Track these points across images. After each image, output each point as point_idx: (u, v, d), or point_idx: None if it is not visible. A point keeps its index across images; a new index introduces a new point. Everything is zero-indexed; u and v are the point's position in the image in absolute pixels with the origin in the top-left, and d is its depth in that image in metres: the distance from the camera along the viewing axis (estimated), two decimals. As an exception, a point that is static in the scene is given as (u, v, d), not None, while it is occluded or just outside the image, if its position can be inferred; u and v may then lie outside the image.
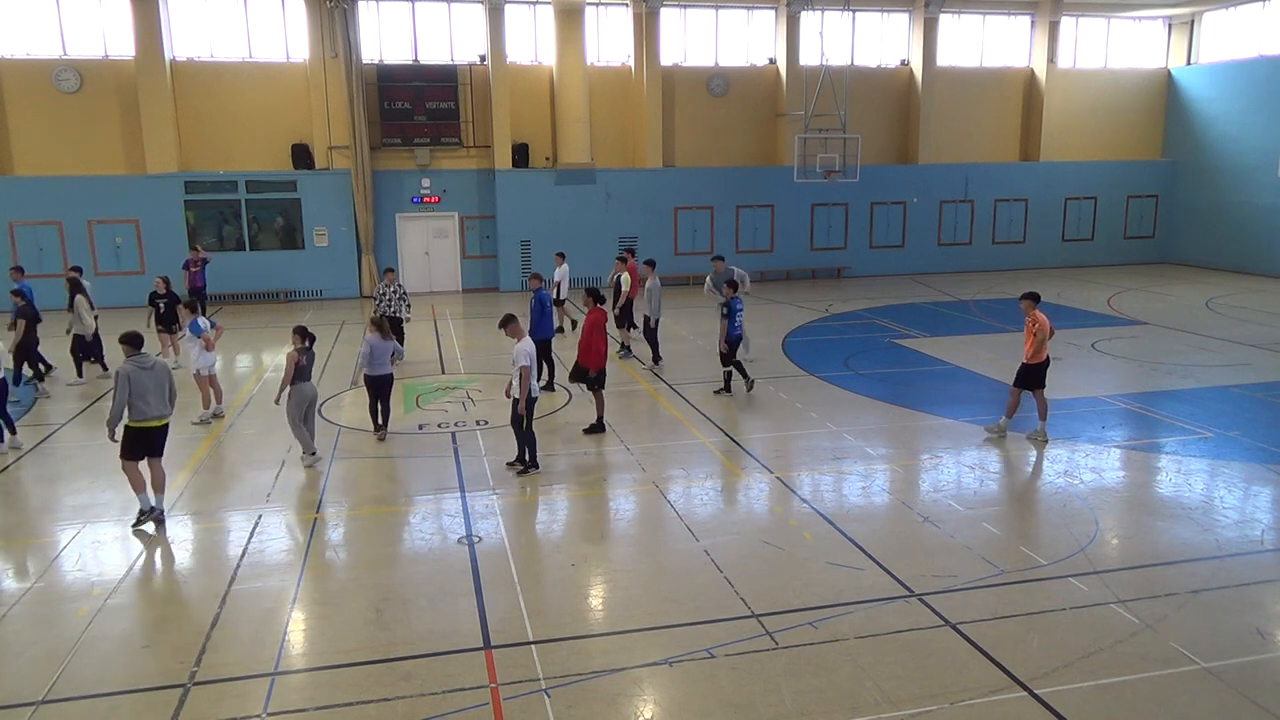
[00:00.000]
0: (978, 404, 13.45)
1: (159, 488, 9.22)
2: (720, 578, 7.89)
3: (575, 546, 8.75)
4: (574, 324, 19.01)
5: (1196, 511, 9.30)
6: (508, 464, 10.77)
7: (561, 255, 19.01)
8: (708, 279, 16.49)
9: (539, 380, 13.62)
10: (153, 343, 14.04)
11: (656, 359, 16.00)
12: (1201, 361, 15.94)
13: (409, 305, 16.21)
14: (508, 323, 10.49)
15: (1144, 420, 12.62)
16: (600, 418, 12.26)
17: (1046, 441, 11.58)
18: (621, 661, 6.61)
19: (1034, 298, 11.73)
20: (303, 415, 10.89)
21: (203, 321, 12.94)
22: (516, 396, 10.15)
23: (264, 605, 7.53)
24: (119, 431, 9.01)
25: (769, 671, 6.44)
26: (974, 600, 7.45)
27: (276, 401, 11.19)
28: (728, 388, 14.00)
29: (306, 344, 10.95)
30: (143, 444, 9.01)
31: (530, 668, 6.52)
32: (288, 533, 9.03)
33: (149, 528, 9.09)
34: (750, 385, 14.04)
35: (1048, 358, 11.71)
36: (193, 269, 20.37)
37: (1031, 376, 11.67)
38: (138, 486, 9.04)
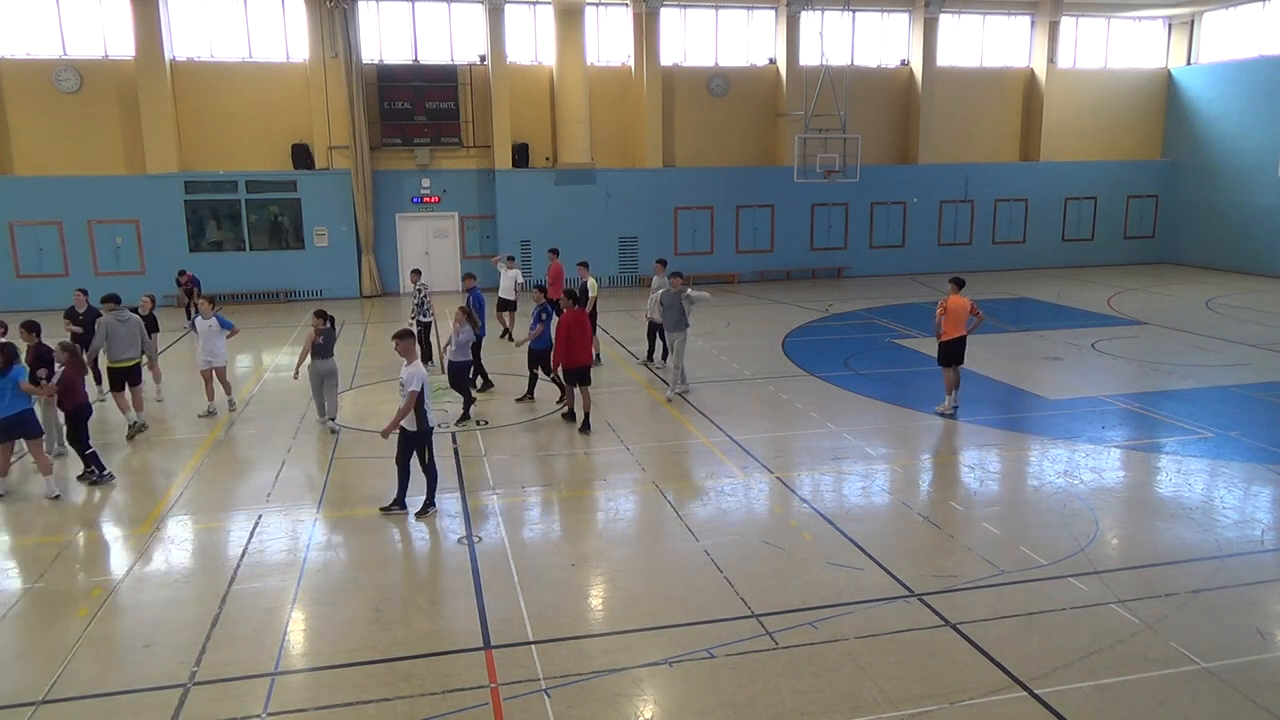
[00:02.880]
0: (978, 404, 13.44)
1: (138, 406, 12.46)
2: (720, 578, 7.89)
3: (575, 546, 8.75)
4: (509, 334, 18.18)
5: (1196, 511, 9.30)
6: (382, 509, 9.45)
7: (511, 259, 18.89)
8: (661, 293, 14.69)
9: (475, 385, 13.85)
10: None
11: (664, 355, 15.95)
12: (1201, 361, 15.94)
13: (422, 309, 15.78)
14: (402, 338, 9.22)
15: (1144, 420, 12.62)
16: (587, 415, 12.26)
17: (956, 409, 12.83)
18: (621, 661, 6.61)
19: (957, 283, 12.80)
20: (320, 387, 12.46)
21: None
22: (387, 429, 9.10)
23: (264, 605, 7.53)
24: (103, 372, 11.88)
25: (769, 671, 6.44)
26: (974, 600, 7.45)
27: (295, 376, 12.68)
28: (530, 394, 13.76)
29: (326, 325, 12.23)
30: (120, 378, 12.22)
31: (530, 668, 6.52)
32: (288, 533, 9.03)
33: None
34: (525, 398, 13.72)
35: (962, 336, 12.66)
36: (185, 288, 20.40)
37: (947, 353, 12.73)
38: (122, 408, 12.27)
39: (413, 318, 15.77)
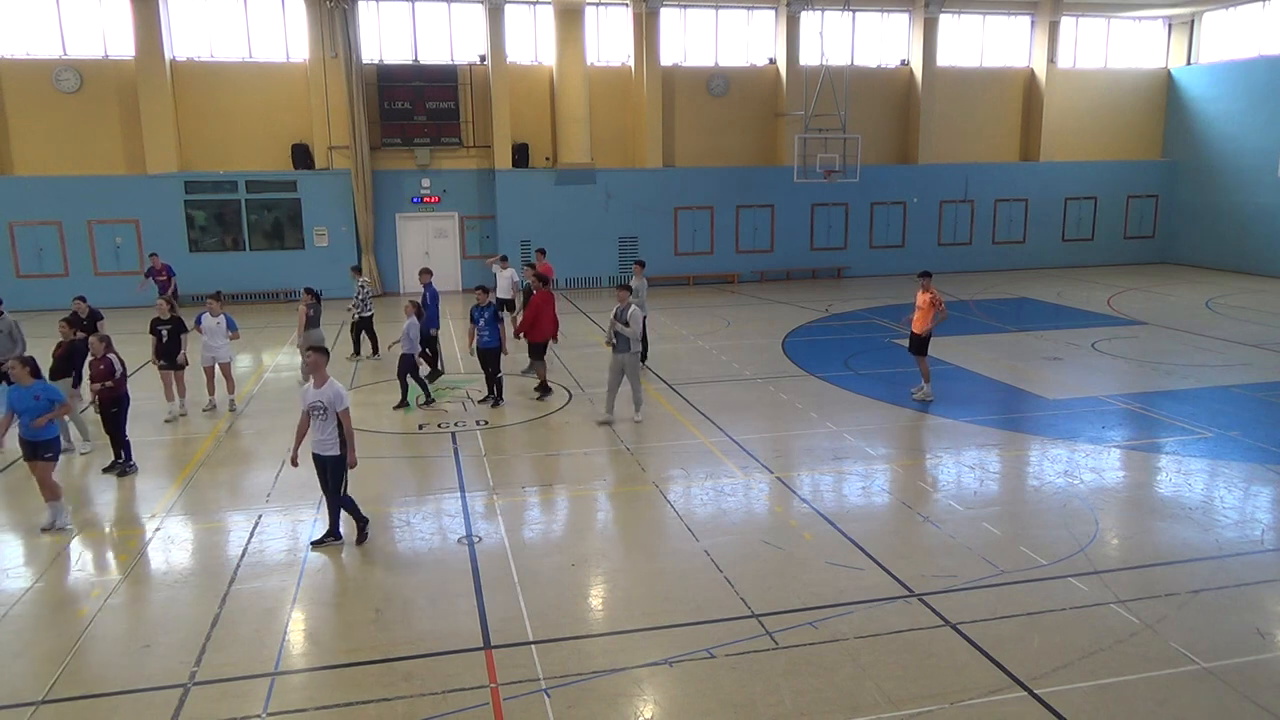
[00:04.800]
0: (978, 404, 13.45)
1: None
2: (720, 578, 7.89)
3: (575, 546, 8.74)
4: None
5: (1196, 511, 9.29)
6: (313, 542, 8.65)
7: (504, 259, 18.73)
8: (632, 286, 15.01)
9: (430, 375, 14.37)
10: (152, 382, 13.59)
11: (643, 359, 15.88)
12: (1201, 361, 15.93)
13: (364, 305, 16.71)
14: (314, 351, 8.47)
15: (1144, 420, 12.62)
16: (544, 381, 14.02)
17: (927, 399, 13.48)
18: (621, 661, 6.61)
19: (930, 275, 13.58)
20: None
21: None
22: (352, 459, 8.40)
23: (264, 605, 7.53)
24: None
25: (769, 671, 6.44)
26: (974, 600, 7.44)
27: (294, 343, 15.10)
28: (500, 397, 13.68)
29: (315, 300, 14.38)
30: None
31: (530, 668, 6.52)
32: (288, 533, 9.02)
33: None
34: (495, 402, 13.59)
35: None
36: (159, 278, 19.69)
37: (925, 343, 13.43)
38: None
39: (349, 310, 16.61)
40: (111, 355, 10.68)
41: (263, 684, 6.39)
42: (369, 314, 16.70)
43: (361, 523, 8.76)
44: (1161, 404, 13.30)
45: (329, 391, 8.23)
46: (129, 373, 11.28)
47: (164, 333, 12.91)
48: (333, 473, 8.39)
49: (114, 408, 10.68)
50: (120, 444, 10.81)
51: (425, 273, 15.76)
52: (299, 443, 8.53)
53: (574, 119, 24.87)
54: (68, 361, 11.63)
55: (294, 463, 8.77)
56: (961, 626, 7.01)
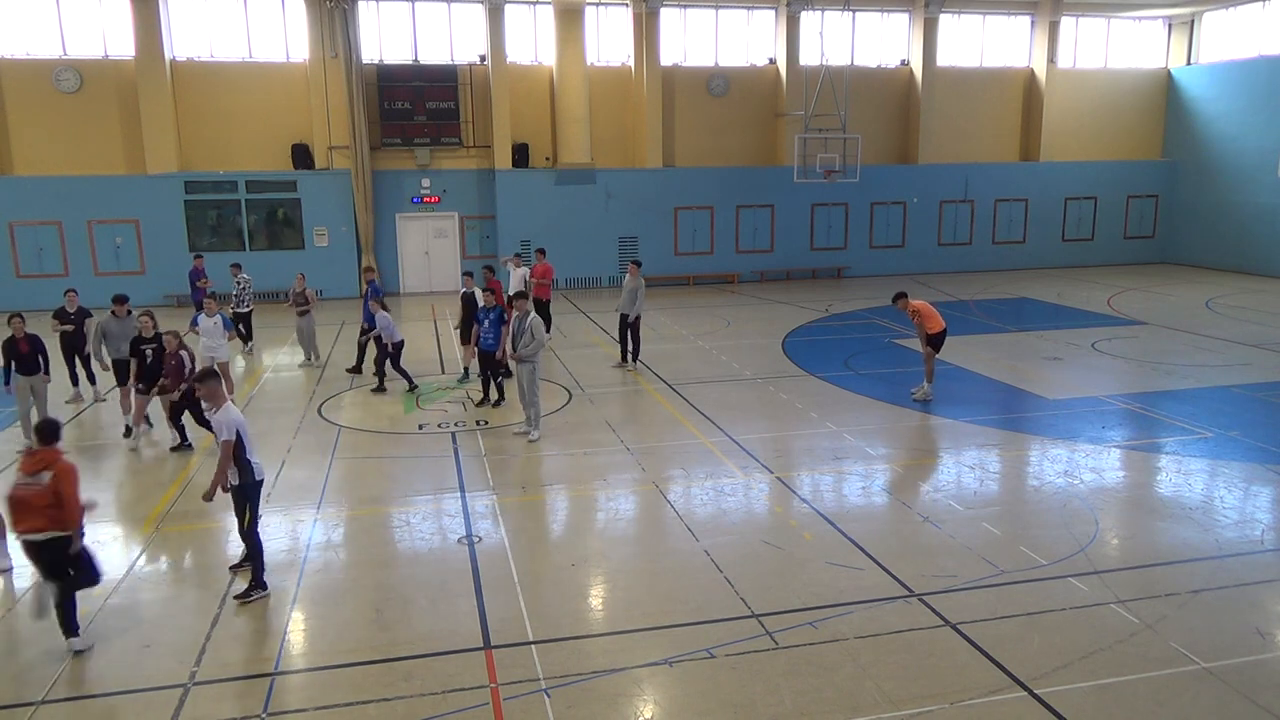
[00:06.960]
0: (978, 404, 13.45)
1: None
2: (720, 578, 7.89)
3: (575, 546, 8.75)
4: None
5: (1196, 511, 9.29)
6: (237, 599, 7.56)
7: (518, 256, 18.58)
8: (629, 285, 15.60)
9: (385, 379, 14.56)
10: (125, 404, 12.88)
11: (635, 357, 15.94)
12: (1201, 361, 15.93)
13: (240, 300, 17.57)
14: (204, 380, 7.60)
15: (1144, 420, 12.62)
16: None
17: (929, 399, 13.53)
18: (621, 661, 6.61)
19: (904, 295, 13.52)
20: (302, 338, 16.50)
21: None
22: (209, 492, 7.59)
23: (264, 605, 7.54)
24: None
25: (769, 671, 6.44)
26: (974, 600, 7.45)
27: (290, 303, 16.64)
28: (502, 396, 13.70)
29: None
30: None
31: (530, 668, 6.52)
32: (288, 533, 9.02)
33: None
34: (496, 402, 13.61)
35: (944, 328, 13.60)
36: (198, 281, 19.32)
37: (939, 341, 13.48)
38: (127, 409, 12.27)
39: (233, 307, 17.15)
40: (183, 352, 11.22)
41: (263, 684, 6.39)
42: (245, 310, 17.56)
43: (258, 577, 7.65)
44: (1161, 404, 13.30)
45: (215, 419, 7.40)
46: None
47: (147, 353, 11.55)
48: (236, 506, 7.58)
49: (187, 401, 11.27)
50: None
51: (369, 270, 16.45)
52: (222, 472, 7.47)
53: (574, 119, 24.88)
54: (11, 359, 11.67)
55: (215, 492, 7.64)
56: (961, 626, 7.01)
